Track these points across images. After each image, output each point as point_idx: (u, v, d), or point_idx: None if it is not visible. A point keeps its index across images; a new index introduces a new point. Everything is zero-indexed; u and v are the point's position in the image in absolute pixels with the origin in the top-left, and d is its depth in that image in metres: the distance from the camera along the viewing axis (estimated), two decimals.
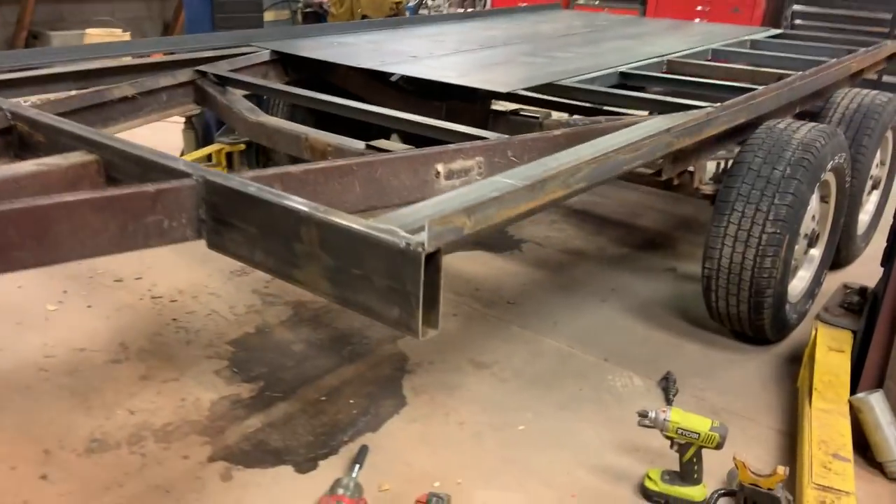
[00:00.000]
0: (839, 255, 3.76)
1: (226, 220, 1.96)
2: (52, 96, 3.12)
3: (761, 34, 5.24)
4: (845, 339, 2.83)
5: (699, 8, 7.34)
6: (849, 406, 2.54)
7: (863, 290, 3.01)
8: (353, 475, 2.28)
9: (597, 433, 2.67)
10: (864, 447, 2.53)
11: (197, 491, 2.32)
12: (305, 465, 2.45)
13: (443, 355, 3.12)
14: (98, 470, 2.39)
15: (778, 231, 2.85)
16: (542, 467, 2.48)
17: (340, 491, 2.17)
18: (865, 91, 3.90)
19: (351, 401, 2.80)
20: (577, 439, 2.63)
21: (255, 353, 3.07)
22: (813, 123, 3.09)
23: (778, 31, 5.44)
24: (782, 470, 1.75)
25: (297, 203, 1.85)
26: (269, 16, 5.10)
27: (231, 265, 3.84)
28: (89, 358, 2.99)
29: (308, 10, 5.66)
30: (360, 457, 2.41)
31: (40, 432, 2.53)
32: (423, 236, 1.60)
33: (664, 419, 2.26)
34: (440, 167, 2.33)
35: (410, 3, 6.40)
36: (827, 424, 2.42)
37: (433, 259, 1.60)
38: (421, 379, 2.94)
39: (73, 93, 3.03)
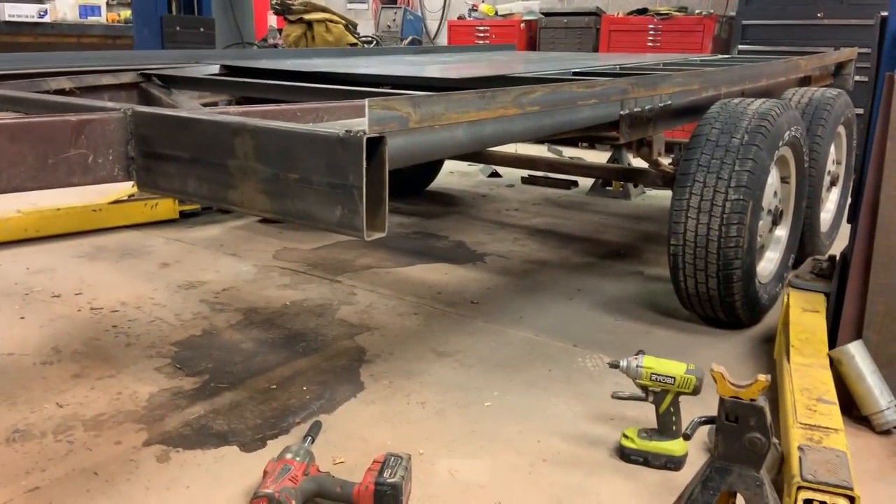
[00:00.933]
0: (804, 250, 3.70)
1: (156, 153, 1.83)
2: None
3: (710, 57, 5.37)
4: (818, 301, 2.73)
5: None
6: (829, 362, 2.41)
7: (832, 258, 2.93)
8: (305, 444, 2.07)
9: (568, 406, 2.49)
10: (848, 407, 2.39)
11: (129, 472, 2.08)
12: (252, 444, 2.23)
13: (403, 346, 2.94)
14: (18, 457, 2.14)
15: (741, 197, 2.78)
16: (511, 437, 2.29)
17: (289, 456, 1.96)
18: (814, 88, 3.95)
19: (304, 388, 2.60)
20: (547, 412, 2.45)
21: (200, 352, 2.86)
22: (766, 98, 3.09)
23: (727, 56, 5.58)
24: (763, 377, 1.61)
25: (231, 117, 1.74)
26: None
27: (178, 279, 3.66)
28: (17, 361, 2.76)
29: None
30: (312, 430, 2.20)
31: None
32: (363, 122, 1.50)
33: (637, 366, 2.11)
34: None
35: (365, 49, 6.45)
36: (808, 375, 2.29)
37: (377, 152, 1.48)
38: (380, 367, 2.76)
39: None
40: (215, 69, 3.84)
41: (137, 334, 3.01)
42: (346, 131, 1.47)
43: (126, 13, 7.02)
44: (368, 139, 1.45)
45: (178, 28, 4.26)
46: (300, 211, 1.60)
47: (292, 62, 4.16)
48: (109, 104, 1.93)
